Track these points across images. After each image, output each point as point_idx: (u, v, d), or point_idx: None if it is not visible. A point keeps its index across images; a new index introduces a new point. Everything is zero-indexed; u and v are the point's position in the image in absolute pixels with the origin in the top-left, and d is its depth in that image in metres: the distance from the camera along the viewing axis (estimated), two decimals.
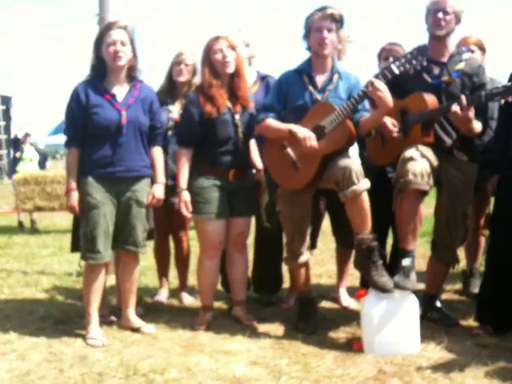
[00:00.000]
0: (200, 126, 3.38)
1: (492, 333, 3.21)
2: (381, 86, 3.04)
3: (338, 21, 3.25)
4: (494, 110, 3.54)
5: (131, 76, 3.33)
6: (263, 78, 3.94)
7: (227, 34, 3.56)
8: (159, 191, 3.38)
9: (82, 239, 3.27)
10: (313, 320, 3.42)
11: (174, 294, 4.17)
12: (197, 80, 3.83)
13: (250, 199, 3.52)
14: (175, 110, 3.87)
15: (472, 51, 3.91)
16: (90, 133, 3.23)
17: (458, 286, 4.30)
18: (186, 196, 3.38)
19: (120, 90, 3.29)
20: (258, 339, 3.24)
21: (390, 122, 3.28)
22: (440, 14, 3.26)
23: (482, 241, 4.15)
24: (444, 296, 3.97)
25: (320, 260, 5.27)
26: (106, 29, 3.31)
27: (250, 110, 3.45)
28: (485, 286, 3.36)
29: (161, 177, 3.40)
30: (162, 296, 4.12)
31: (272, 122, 3.31)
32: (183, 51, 3.92)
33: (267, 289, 4.06)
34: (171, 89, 3.95)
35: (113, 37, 3.21)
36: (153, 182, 3.38)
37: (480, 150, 3.46)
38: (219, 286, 3.90)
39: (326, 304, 3.97)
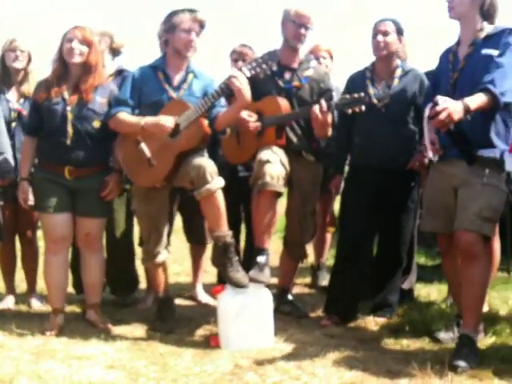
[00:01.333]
0: (35, 112, 3.30)
1: (339, 323, 3.45)
2: (241, 78, 3.12)
3: (204, 26, 3.31)
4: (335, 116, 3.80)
5: None
6: (120, 72, 3.85)
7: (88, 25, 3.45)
8: None
9: None
10: (170, 319, 3.43)
11: (21, 299, 3.93)
12: (32, 67, 3.77)
13: (97, 200, 3.36)
14: (13, 99, 3.72)
15: (324, 58, 4.19)
16: None
17: (308, 279, 4.55)
18: (24, 186, 3.28)
19: None
20: (115, 342, 3.17)
21: (246, 114, 3.37)
22: (303, 30, 3.42)
23: (328, 237, 4.45)
24: (295, 289, 4.18)
25: (178, 258, 5.27)
26: None
27: (92, 105, 3.29)
28: (332, 279, 3.62)
29: None
30: (9, 302, 3.86)
31: (125, 116, 3.26)
32: (15, 37, 3.77)
33: (123, 290, 3.98)
34: (5, 76, 3.77)
35: None
36: None
37: (326, 152, 3.70)
38: (71, 288, 3.76)
39: (184, 302, 3.99)
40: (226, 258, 3.12)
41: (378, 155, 3.38)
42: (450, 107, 2.62)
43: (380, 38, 3.38)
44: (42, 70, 3.67)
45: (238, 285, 3.12)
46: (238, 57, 4.01)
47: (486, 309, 3.59)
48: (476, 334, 2.92)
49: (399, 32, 3.42)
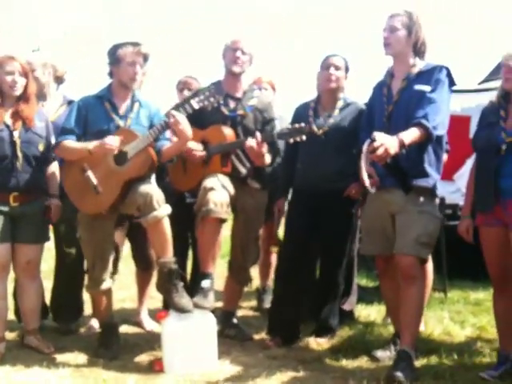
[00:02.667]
0: None
1: (281, 344, 3.55)
2: (181, 118, 3.22)
3: (148, 59, 3.40)
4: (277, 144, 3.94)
5: None
6: (70, 102, 3.89)
7: (25, 54, 3.50)
8: None
9: None
10: (114, 345, 3.43)
11: None
12: None
13: (38, 226, 3.40)
14: None
15: (265, 89, 4.34)
16: None
17: (254, 302, 4.63)
18: None
19: None
20: (57, 369, 3.15)
21: (193, 143, 3.47)
22: (238, 53, 3.55)
23: (273, 260, 4.56)
24: (241, 312, 4.25)
25: (124, 284, 5.25)
26: None
27: (35, 129, 3.35)
28: (273, 301, 3.73)
29: None
30: None
31: (70, 143, 3.31)
32: None
33: (67, 317, 3.94)
34: None
35: None
36: None
37: (270, 178, 3.83)
38: (12, 316, 3.72)
39: (129, 329, 3.99)
40: (170, 284, 3.18)
41: (317, 180, 3.52)
42: (387, 143, 2.81)
43: (332, 70, 3.56)
44: None
45: (183, 310, 3.17)
46: (183, 87, 4.14)
47: (422, 328, 3.76)
48: (413, 351, 3.07)
49: (347, 69, 3.63)
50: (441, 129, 2.99)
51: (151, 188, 3.22)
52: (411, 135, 2.89)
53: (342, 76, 3.59)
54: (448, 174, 5.32)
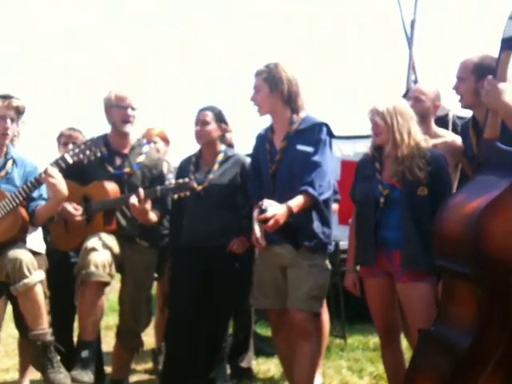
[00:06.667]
0: None
1: None
2: (54, 173, 3.04)
3: (22, 111, 3.23)
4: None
5: None
6: None
7: None
8: None
9: None
10: None
11: None
12: None
13: None
14: None
15: (155, 142, 4.22)
16: None
17: (149, 364, 4.39)
18: None
19: None
20: None
21: (71, 207, 3.30)
22: (129, 111, 3.42)
23: None
24: (135, 377, 4.03)
25: (10, 351, 4.86)
26: None
27: None
28: (165, 364, 3.56)
29: None
30: None
31: None
32: None
33: None
34: None
35: None
36: None
37: (160, 235, 3.69)
38: None
39: None
40: (45, 358, 2.95)
41: (199, 236, 3.43)
42: (277, 214, 2.89)
43: (198, 127, 3.53)
44: None
45: None
46: (66, 140, 3.93)
47: (320, 381, 3.70)
48: None
49: (219, 120, 3.55)
50: (326, 191, 3.08)
51: (21, 253, 2.99)
52: (298, 203, 2.99)
53: (211, 129, 3.53)
54: (344, 219, 5.38)
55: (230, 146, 3.70)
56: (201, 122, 3.51)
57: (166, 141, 4.40)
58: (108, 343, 3.73)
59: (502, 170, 2.27)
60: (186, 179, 3.23)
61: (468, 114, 3.38)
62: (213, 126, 3.53)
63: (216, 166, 3.54)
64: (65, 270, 3.41)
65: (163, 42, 17.78)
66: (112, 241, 3.30)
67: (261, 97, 3.11)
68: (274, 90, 3.07)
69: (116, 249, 3.30)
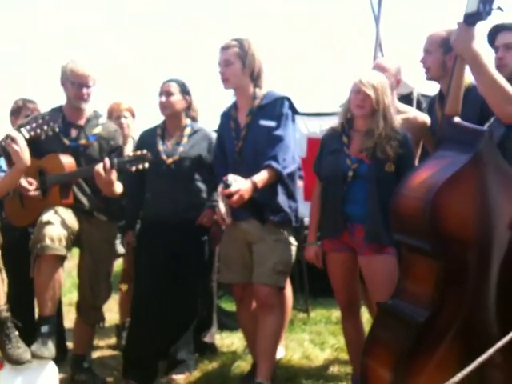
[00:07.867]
0: None
1: None
2: (19, 139, 2.94)
3: None
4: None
5: None
6: None
7: None
8: None
9: None
10: None
11: None
12: None
13: None
14: None
15: (125, 117, 4.11)
16: None
17: (113, 340, 4.34)
18: None
19: None
20: None
21: (25, 181, 3.21)
22: (84, 90, 3.29)
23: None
24: (97, 353, 3.98)
25: None
26: None
27: None
28: (128, 340, 3.52)
29: None
30: None
31: None
32: None
33: None
34: None
35: None
36: None
37: (119, 209, 3.62)
38: None
39: None
40: (2, 334, 2.87)
41: (166, 210, 3.38)
42: (241, 189, 2.93)
43: (163, 98, 3.45)
44: None
45: (18, 362, 2.88)
46: (25, 112, 3.79)
47: (282, 353, 3.73)
48: (269, 383, 3.01)
49: (184, 92, 3.49)
50: (290, 165, 3.09)
51: None
52: (263, 178, 3.01)
53: (176, 100, 3.46)
54: (309, 196, 5.38)
55: (194, 120, 3.63)
56: (165, 93, 3.44)
57: (133, 115, 4.27)
58: (71, 319, 3.66)
59: (461, 147, 2.26)
60: (145, 151, 3.15)
61: (432, 92, 3.38)
62: (177, 97, 3.46)
63: (185, 140, 3.48)
64: (25, 245, 3.32)
65: (163, 42, 17.53)
66: (69, 214, 3.22)
67: (232, 71, 3.10)
68: (247, 66, 3.09)
69: (73, 222, 3.22)
